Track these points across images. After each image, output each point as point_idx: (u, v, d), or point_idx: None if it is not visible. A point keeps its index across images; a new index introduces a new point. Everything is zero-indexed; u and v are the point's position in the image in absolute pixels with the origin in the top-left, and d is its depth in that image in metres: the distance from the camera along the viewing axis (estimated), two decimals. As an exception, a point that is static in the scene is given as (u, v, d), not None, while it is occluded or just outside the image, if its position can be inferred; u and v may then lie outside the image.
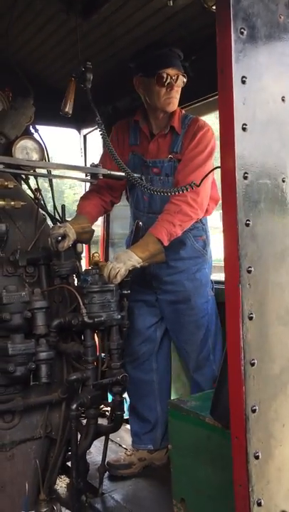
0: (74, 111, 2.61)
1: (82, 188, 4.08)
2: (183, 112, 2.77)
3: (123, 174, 2.50)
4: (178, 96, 2.64)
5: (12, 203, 2.36)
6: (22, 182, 2.81)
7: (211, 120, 3.08)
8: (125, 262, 2.35)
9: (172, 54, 2.59)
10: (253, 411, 1.45)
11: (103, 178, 2.58)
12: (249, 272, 1.44)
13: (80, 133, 4.18)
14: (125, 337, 2.71)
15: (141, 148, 2.78)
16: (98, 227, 3.96)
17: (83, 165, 3.97)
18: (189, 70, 2.81)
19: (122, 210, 3.78)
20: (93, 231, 2.69)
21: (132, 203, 2.91)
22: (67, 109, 2.57)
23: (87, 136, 4.22)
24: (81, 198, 2.96)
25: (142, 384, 2.92)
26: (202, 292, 2.76)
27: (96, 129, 4.07)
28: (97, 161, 2.71)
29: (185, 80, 2.62)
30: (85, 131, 4.21)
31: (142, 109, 2.78)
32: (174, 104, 2.64)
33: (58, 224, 2.57)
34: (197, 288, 2.75)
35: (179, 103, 2.73)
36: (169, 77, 2.56)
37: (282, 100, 1.51)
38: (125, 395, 3.61)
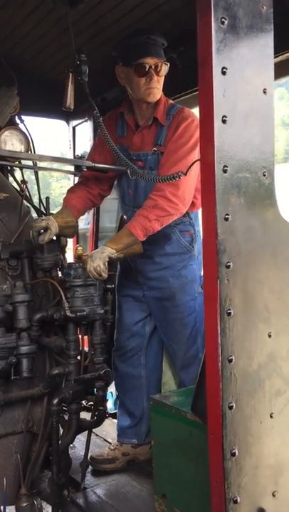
0: (61, 102, 2.56)
1: (70, 181, 4.05)
2: (170, 101, 2.69)
3: (108, 166, 2.47)
4: (159, 85, 2.56)
5: (-6, 194, 2.33)
6: (8, 174, 2.78)
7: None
8: (100, 257, 2.33)
9: (151, 42, 2.50)
10: (230, 408, 1.44)
11: (87, 170, 2.54)
12: (228, 267, 1.42)
13: (68, 124, 4.14)
14: (111, 331, 2.69)
15: (127, 140, 2.73)
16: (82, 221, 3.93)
17: (72, 157, 3.94)
18: (177, 62, 2.77)
19: (111, 203, 3.77)
20: (77, 225, 2.65)
21: (119, 197, 2.88)
22: (68, 104, 2.53)
23: (76, 127, 4.18)
24: (68, 190, 2.92)
25: (129, 378, 2.91)
26: (188, 290, 2.70)
27: (85, 121, 4.04)
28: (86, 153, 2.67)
29: (167, 67, 2.54)
30: (74, 122, 4.17)
31: (128, 100, 2.73)
32: (154, 94, 2.56)
33: (41, 217, 2.54)
34: (182, 285, 2.70)
35: (167, 94, 2.69)
36: (147, 66, 2.49)
37: (264, 93, 1.48)
38: (113, 390, 3.63)
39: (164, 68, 2.53)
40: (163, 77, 2.56)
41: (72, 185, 4.14)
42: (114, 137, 2.73)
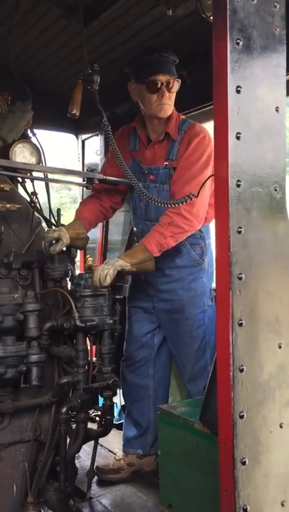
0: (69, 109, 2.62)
1: (71, 192, 4.10)
2: (181, 117, 2.73)
3: (119, 179, 2.52)
4: (171, 102, 2.61)
5: (8, 205, 2.38)
6: (19, 185, 2.83)
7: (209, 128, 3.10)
8: (112, 263, 2.37)
9: (163, 59, 2.55)
10: (241, 417, 1.46)
11: (99, 183, 2.59)
12: (240, 278, 1.46)
13: (77, 138, 4.21)
14: (119, 341, 2.71)
15: (139, 154, 2.78)
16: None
17: (81, 170, 4.00)
18: (187, 79, 2.84)
19: (118, 215, 3.81)
20: (88, 238, 2.69)
21: (131, 210, 2.92)
22: (74, 111, 2.59)
23: (86, 141, 4.25)
24: (80, 203, 2.97)
25: (137, 388, 2.93)
26: (197, 302, 2.73)
27: (95, 135, 4.11)
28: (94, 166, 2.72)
29: (179, 84, 2.59)
30: (83, 136, 4.24)
31: (140, 115, 2.78)
32: (166, 110, 2.61)
33: (53, 228, 2.58)
34: (192, 298, 2.72)
35: (177, 110, 2.75)
36: (159, 83, 2.54)
37: (276, 111, 1.53)
38: (116, 400, 3.64)
39: (176, 85, 2.59)
40: (174, 94, 2.61)
41: (80, 198, 4.22)
42: (128, 151, 2.79)
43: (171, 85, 2.57)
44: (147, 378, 2.92)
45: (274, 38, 1.51)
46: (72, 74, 3.41)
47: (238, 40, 1.44)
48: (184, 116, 2.77)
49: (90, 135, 4.18)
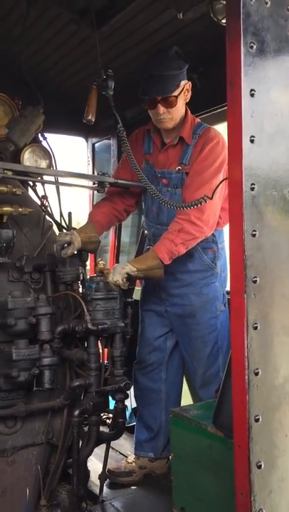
0: (82, 120, 2.64)
1: (85, 195, 4.12)
2: (197, 120, 2.71)
3: (130, 183, 2.52)
4: (172, 115, 2.56)
5: (20, 209, 2.39)
6: (30, 189, 2.85)
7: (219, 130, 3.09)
8: (120, 272, 2.38)
9: (154, 79, 2.49)
10: (256, 420, 1.46)
11: (110, 186, 2.60)
12: (254, 281, 1.46)
13: (87, 142, 4.22)
14: (130, 344, 2.72)
15: (153, 157, 2.77)
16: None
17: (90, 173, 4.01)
18: (197, 82, 2.84)
19: (129, 218, 3.82)
20: (99, 241, 2.70)
21: (144, 213, 2.93)
22: (90, 117, 2.60)
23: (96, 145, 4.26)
24: (93, 206, 2.97)
25: (149, 392, 2.93)
26: (209, 308, 2.71)
27: (107, 138, 4.11)
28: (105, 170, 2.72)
29: (183, 91, 2.55)
30: (93, 140, 4.25)
31: None
32: (165, 124, 2.59)
33: (65, 231, 2.59)
34: (204, 303, 2.71)
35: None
36: (154, 101, 2.52)
37: (290, 113, 1.53)
38: (127, 403, 3.64)
39: (175, 100, 2.53)
40: (178, 106, 2.56)
41: (88, 201, 4.23)
42: (141, 154, 2.78)
43: (169, 101, 2.53)
44: (159, 382, 2.92)
45: (287, 41, 1.51)
46: (83, 78, 3.44)
47: (251, 44, 1.44)
48: (199, 120, 2.74)
49: (100, 139, 4.19)
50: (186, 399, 3.11)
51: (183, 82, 2.56)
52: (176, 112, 2.57)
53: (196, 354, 2.75)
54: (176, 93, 2.53)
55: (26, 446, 2.40)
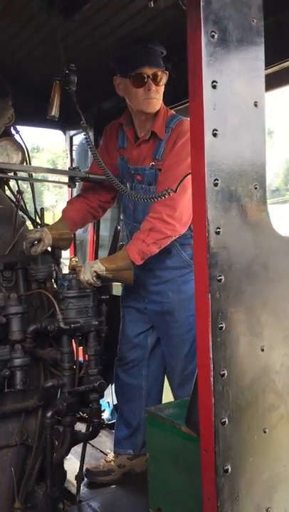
0: (59, 112, 2.55)
1: (62, 191, 4.04)
2: (170, 113, 2.62)
3: (102, 177, 2.46)
4: (159, 96, 2.50)
5: (-12, 206, 2.32)
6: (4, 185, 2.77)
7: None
8: (89, 271, 2.31)
9: (149, 51, 2.44)
10: (223, 423, 1.42)
11: (81, 181, 2.53)
12: (219, 281, 1.41)
13: (65, 134, 4.14)
14: (109, 341, 2.67)
15: (127, 152, 2.69)
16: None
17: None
18: (172, 72, 2.76)
19: (109, 212, 3.76)
20: (72, 238, 2.64)
21: (122, 210, 2.87)
22: (53, 113, 2.51)
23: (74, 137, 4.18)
24: (67, 202, 2.91)
25: (130, 388, 2.89)
26: (188, 305, 2.63)
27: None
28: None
29: (167, 77, 2.50)
30: (71, 132, 4.17)
31: (127, 111, 2.68)
32: (154, 105, 2.50)
33: (35, 228, 2.53)
34: (182, 300, 2.65)
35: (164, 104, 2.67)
36: (145, 77, 2.43)
37: (255, 105, 1.47)
38: (109, 400, 3.61)
39: (164, 77, 2.48)
40: (163, 87, 2.51)
41: (66, 196, 4.16)
42: (116, 148, 2.71)
43: (158, 78, 2.46)
44: (140, 379, 2.89)
45: (251, 30, 1.45)
46: (56, 68, 3.35)
47: (212, 33, 1.38)
48: (173, 112, 2.66)
49: (78, 131, 4.11)
50: (169, 396, 3.07)
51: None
52: (161, 93, 2.51)
53: (174, 352, 2.71)
54: (164, 70, 2.47)
55: (0, 448, 2.35)
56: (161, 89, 2.51)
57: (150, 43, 2.46)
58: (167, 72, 2.52)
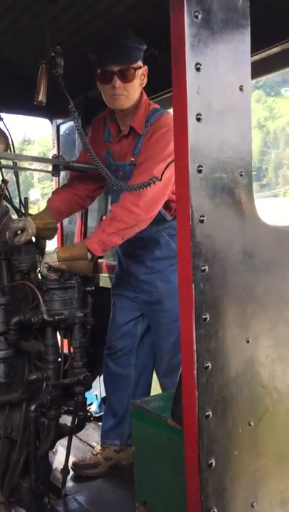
0: (46, 100, 2.48)
1: (53, 182, 3.98)
2: (152, 107, 2.55)
3: (87, 166, 2.40)
4: (127, 92, 2.41)
5: None
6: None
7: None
8: (43, 261, 2.27)
9: (116, 48, 2.36)
10: (207, 417, 1.38)
11: (65, 169, 2.48)
12: (203, 271, 1.36)
13: (52, 123, 4.06)
14: (97, 332, 2.63)
15: (111, 146, 2.64)
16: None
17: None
18: (159, 58, 2.70)
19: (94, 202, 3.70)
20: (56, 228, 2.59)
21: (110, 201, 2.82)
22: (40, 98, 2.44)
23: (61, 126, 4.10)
24: (53, 192, 2.85)
25: (118, 378, 2.87)
26: (175, 294, 2.56)
27: (71, 119, 3.95)
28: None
29: (140, 71, 2.42)
30: (58, 121, 4.09)
31: None
32: (120, 101, 2.43)
33: (19, 218, 2.48)
34: (170, 290, 2.60)
35: (150, 93, 2.62)
36: (111, 73, 2.36)
37: (240, 90, 1.42)
38: (97, 392, 3.58)
39: (134, 73, 2.39)
40: (135, 83, 2.42)
41: (54, 186, 4.09)
42: (102, 141, 2.65)
43: (126, 75, 2.38)
44: (129, 368, 2.86)
45: (236, 11, 1.40)
46: (42, 55, 3.28)
47: (196, 13, 1.33)
48: (156, 106, 2.58)
49: (65, 120, 4.03)
50: (157, 385, 3.05)
51: (140, 62, 2.42)
52: (132, 89, 2.43)
53: (161, 342, 2.70)
54: (135, 66, 2.39)
55: (-17, 442, 2.31)
56: (132, 85, 2.42)
57: (121, 39, 2.38)
58: (142, 66, 2.44)
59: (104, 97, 2.49)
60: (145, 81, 2.49)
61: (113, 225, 2.29)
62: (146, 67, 2.48)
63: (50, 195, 2.86)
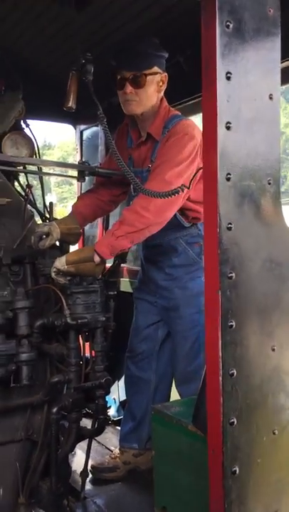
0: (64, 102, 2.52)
1: (72, 187, 4.01)
2: (172, 113, 2.53)
3: (111, 172, 2.42)
4: (139, 98, 2.40)
5: (-3, 199, 2.31)
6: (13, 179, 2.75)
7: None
8: (53, 267, 2.28)
9: (129, 53, 2.37)
10: (231, 424, 1.39)
11: (90, 175, 2.50)
12: (230, 278, 1.37)
13: (75, 129, 4.11)
14: (119, 336, 2.64)
15: (132, 153, 2.65)
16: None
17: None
18: (184, 65, 2.72)
19: (119, 207, 3.73)
20: (80, 233, 2.61)
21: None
22: (70, 104, 2.47)
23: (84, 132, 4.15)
24: (78, 197, 2.88)
25: (138, 381, 2.87)
26: (192, 302, 2.59)
27: (95, 125, 4.00)
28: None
29: (155, 77, 2.41)
30: (81, 127, 4.14)
31: None
32: (132, 107, 2.42)
33: (44, 222, 2.51)
34: (187, 297, 2.61)
35: (174, 100, 2.63)
36: (123, 79, 2.37)
37: (270, 98, 1.44)
38: (115, 396, 3.59)
39: (145, 79, 2.38)
40: (147, 89, 2.41)
41: (76, 190, 4.14)
42: (126, 148, 2.67)
43: (139, 80, 2.37)
44: (150, 372, 2.86)
45: (267, 20, 1.41)
46: (68, 62, 3.32)
47: (228, 23, 1.34)
48: (176, 112, 2.58)
49: (89, 125, 4.08)
50: (176, 394, 3.05)
51: (157, 68, 2.42)
52: (144, 95, 2.41)
53: (177, 349, 2.70)
54: (146, 72, 2.38)
55: (5, 443, 2.33)
56: (143, 91, 2.41)
57: (135, 45, 2.39)
58: (162, 73, 2.44)
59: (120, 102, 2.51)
60: (164, 87, 2.49)
61: (122, 229, 2.28)
62: (165, 73, 2.47)
63: (68, 199, 2.90)
